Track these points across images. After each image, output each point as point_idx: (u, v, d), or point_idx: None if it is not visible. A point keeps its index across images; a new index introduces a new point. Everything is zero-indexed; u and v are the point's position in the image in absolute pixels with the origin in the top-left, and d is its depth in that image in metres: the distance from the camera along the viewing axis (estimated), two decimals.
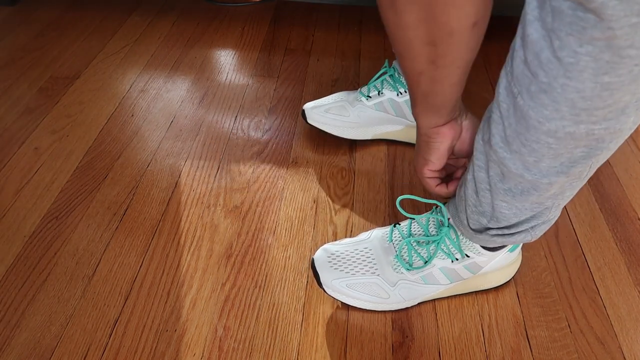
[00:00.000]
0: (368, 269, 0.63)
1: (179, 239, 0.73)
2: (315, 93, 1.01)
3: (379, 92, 0.84)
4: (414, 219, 0.63)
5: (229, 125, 0.93)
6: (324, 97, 0.90)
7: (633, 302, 0.67)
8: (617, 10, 0.33)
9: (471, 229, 0.57)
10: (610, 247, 0.74)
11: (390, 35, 0.47)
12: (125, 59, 1.09)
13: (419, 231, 0.63)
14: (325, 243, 0.73)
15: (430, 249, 0.61)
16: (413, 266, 0.62)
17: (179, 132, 0.91)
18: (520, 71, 0.41)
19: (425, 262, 0.62)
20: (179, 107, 0.97)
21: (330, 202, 0.79)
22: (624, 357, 0.61)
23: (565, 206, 0.79)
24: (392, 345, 0.62)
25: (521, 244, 0.64)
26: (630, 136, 0.93)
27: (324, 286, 0.63)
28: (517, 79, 0.42)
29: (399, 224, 0.65)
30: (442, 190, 0.60)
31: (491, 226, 0.55)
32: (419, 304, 0.66)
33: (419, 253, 0.62)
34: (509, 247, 0.62)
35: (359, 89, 0.87)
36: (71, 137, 0.89)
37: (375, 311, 0.65)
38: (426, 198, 0.64)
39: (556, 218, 0.56)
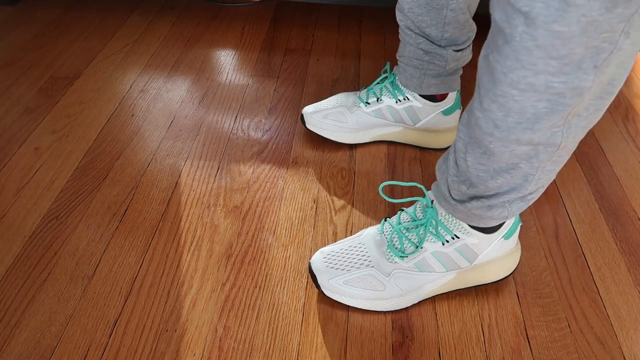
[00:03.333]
0: (362, 263, 0.64)
1: (179, 239, 0.73)
2: (315, 93, 1.01)
3: (377, 98, 0.84)
4: (395, 201, 0.64)
5: (229, 125, 0.93)
6: (323, 100, 0.90)
7: (633, 302, 0.67)
8: None
9: (453, 199, 0.58)
10: (610, 247, 0.74)
11: None
12: (125, 59, 1.09)
13: (407, 219, 0.64)
14: (325, 243, 0.73)
15: (420, 232, 0.62)
16: (405, 253, 0.63)
17: (179, 132, 0.91)
18: (492, 31, 0.45)
19: (417, 246, 0.62)
20: (179, 107, 0.97)
21: (330, 202, 0.79)
22: (624, 357, 0.61)
23: (565, 206, 0.79)
24: (392, 345, 0.62)
25: (517, 233, 0.64)
26: (630, 136, 0.93)
27: (322, 288, 0.64)
28: (490, 38, 0.46)
29: (389, 218, 0.66)
30: None
31: (470, 193, 0.56)
32: (419, 303, 0.66)
33: (410, 239, 0.63)
34: (503, 232, 0.62)
35: (358, 93, 0.87)
36: (71, 137, 0.89)
37: (375, 312, 0.65)
38: (407, 182, 0.67)
39: (533, 199, 0.56)
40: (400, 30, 0.79)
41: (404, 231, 0.63)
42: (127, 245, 0.71)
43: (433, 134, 0.86)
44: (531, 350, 0.62)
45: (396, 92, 0.83)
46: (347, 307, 0.65)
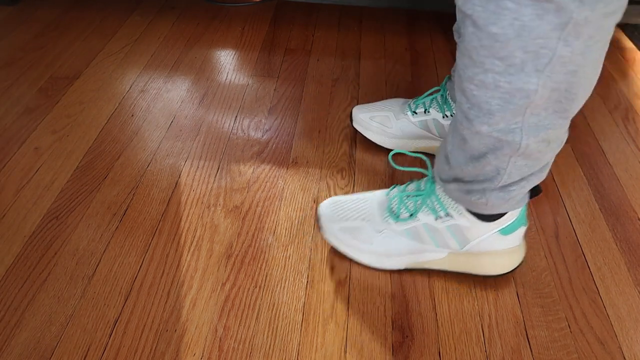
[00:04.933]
0: (359, 215, 0.68)
1: (179, 239, 0.73)
2: (315, 93, 1.01)
3: (425, 110, 0.83)
4: (401, 169, 0.67)
5: (229, 125, 0.93)
6: (378, 101, 0.90)
7: (633, 302, 0.67)
8: None
9: (440, 177, 0.62)
10: (610, 247, 0.74)
11: None
12: (125, 59, 1.09)
13: (412, 188, 0.67)
14: (325, 243, 0.73)
15: (417, 202, 0.65)
16: (400, 218, 0.65)
17: (179, 132, 0.91)
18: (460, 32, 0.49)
19: (411, 214, 0.65)
20: (179, 107, 0.97)
21: None
22: (624, 357, 0.61)
23: (565, 206, 0.79)
24: (392, 345, 0.62)
25: (520, 232, 0.65)
26: (630, 136, 0.93)
27: (321, 230, 0.69)
28: (460, 40, 0.50)
29: (400, 184, 0.69)
30: None
31: (452, 174, 0.59)
32: (419, 303, 0.66)
33: (407, 206, 0.65)
34: (500, 226, 0.63)
35: (409, 102, 0.86)
36: (71, 137, 0.89)
37: (374, 312, 0.65)
38: (414, 154, 0.70)
39: (514, 191, 0.57)
40: (457, 46, 0.78)
41: (405, 198, 0.66)
42: (127, 245, 0.71)
43: None
44: (531, 350, 0.62)
45: (445, 107, 0.82)
46: (347, 307, 0.65)
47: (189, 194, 0.79)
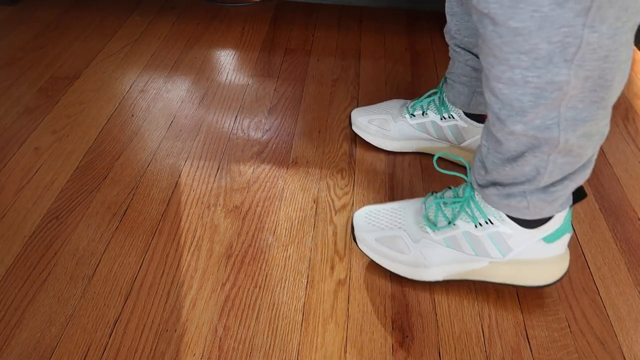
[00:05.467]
0: (396, 224, 0.66)
1: (179, 239, 0.73)
2: (315, 93, 1.01)
3: (423, 112, 0.83)
4: (446, 173, 0.66)
5: (229, 125, 0.93)
6: (376, 104, 0.90)
7: (633, 302, 0.67)
8: None
9: (477, 183, 0.60)
10: (610, 247, 0.74)
11: None
12: (125, 59, 1.09)
13: (450, 194, 0.65)
14: (325, 243, 0.73)
15: (455, 209, 0.62)
16: (437, 226, 0.63)
17: (179, 132, 0.91)
18: (479, 32, 0.48)
19: (449, 222, 0.62)
20: (179, 107, 0.97)
21: (330, 202, 0.79)
22: (624, 357, 0.61)
23: None
24: (392, 345, 0.62)
25: (564, 240, 0.61)
26: (630, 136, 0.93)
27: (357, 240, 0.68)
28: (481, 40, 0.49)
29: (436, 192, 0.68)
30: None
31: (489, 179, 0.57)
32: (419, 303, 0.66)
33: (445, 213, 0.63)
34: (544, 233, 0.60)
35: (407, 104, 0.86)
36: (71, 137, 0.89)
37: (375, 312, 0.65)
38: (456, 162, 0.68)
39: (557, 192, 0.55)
40: (449, 48, 0.78)
41: (442, 205, 0.64)
42: (127, 245, 0.71)
43: None
44: (531, 350, 0.62)
45: (442, 108, 0.81)
46: (347, 307, 0.65)
47: (189, 194, 0.79)
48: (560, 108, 0.47)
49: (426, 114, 0.83)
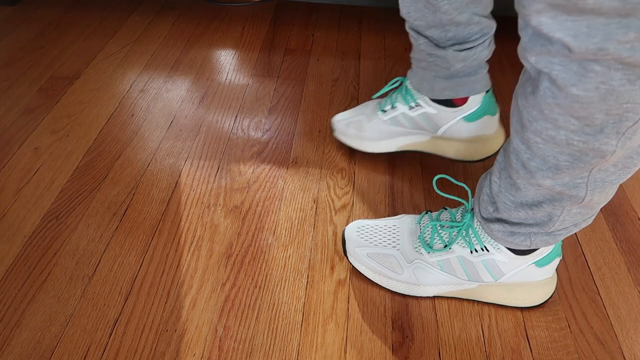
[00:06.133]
0: (390, 243, 0.66)
1: (179, 239, 0.73)
2: (315, 93, 1.01)
3: (392, 105, 0.80)
4: (445, 195, 0.65)
5: (229, 125, 0.93)
6: (355, 107, 0.88)
7: (633, 302, 0.67)
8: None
9: (481, 215, 0.59)
10: (610, 247, 0.74)
11: None
12: (125, 59, 1.09)
13: (447, 218, 0.64)
14: (325, 243, 0.73)
15: (452, 233, 0.62)
16: (433, 248, 0.63)
17: (179, 132, 0.91)
18: (523, 76, 0.47)
19: (445, 245, 0.62)
20: (179, 107, 0.97)
21: (330, 202, 0.79)
22: (624, 357, 0.61)
23: None
24: (392, 345, 0.62)
25: (554, 264, 0.63)
26: None
27: (347, 254, 0.67)
28: (521, 82, 0.47)
29: (431, 211, 0.67)
30: None
31: (496, 216, 0.57)
32: (419, 303, 0.66)
33: (441, 236, 0.63)
34: (535, 258, 0.60)
35: (379, 100, 0.84)
36: (71, 137, 0.89)
37: (375, 312, 0.65)
38: (458, 181, 0.66)
39: (561, 235, 0.55)
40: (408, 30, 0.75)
41: (439, 228, 0.63)
42: (127, 245, 0.71)
43: (462, 143, 0.78)
44: (531, 351, 0.62)
45: (408, 97, 0.78)
46: (347, 307, 0.65)
47: (189, 194, 0.79)
48: (593, 170, 0.46)
49: (395, 106, 0.79)
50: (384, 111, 0.81)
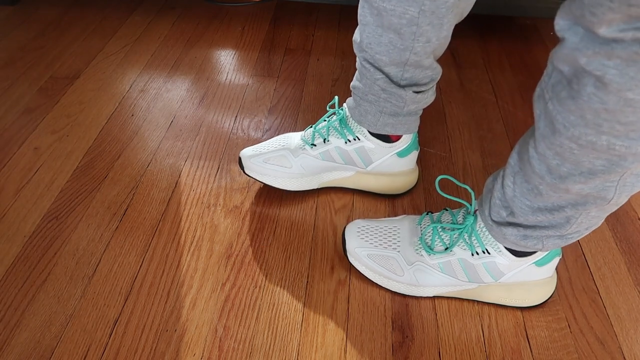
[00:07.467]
0: (390, 244, 0.66)
1: (179, 239, 0.73)
2: (315, 93, 1.01)
3: (324, 139, 0.74)
4: (447, 197, 0.65)
5: (229, 125, 0.93)
6: (264, 141, 0.80)
7: (633, 302, 0.67)
8: None
9: (492, 219, 0.58)
10: (610, 247, 0.74)
11: None
12: (125, 59, 1.09)
13: (448, 219, 0.64)
14: (325, 243, 0.73)
15: (454, 236, 0.62)
16: (434, 250, 0.63)
17: (179, 132, 0.91)
18: (552, 78, 0.45)
19: (446, 248, 0.62)
20: (179, 107, 0.97)
21: (330, 202, 0.79)
22: (624, 357, 0.61)
23: None
24: (392, 345, 0.62)
25: (554, 263, 0.62)
26: None
27: (347, 253, 0.67)
28: (552, 86, 0.45)
29: (432, 212, 0.67)
30: None
31: (509, 220, 0.56)
32: (419, 303, 0.66)
33: (442, 238, 0.63)
34: (536, 259, 0.60)
35: (303, 134, 0.77)
36: (71, 137, 0.89)
37: (375, 312, 0.65)
38: (461, 183, 0.66)
39: (573, 239, 0.55)
40: (357, 60, 0.69)
41: (440, 230, 0.63)
42: (127, 245, 0.71)
43: (388, 178, 0.77)
44: (531, 351, 0.62)
45: (345, 131, 0.74)
46: (347, 307, 0.65)
47: (189, 194, 0.79)
48: (625, 174, 0.45)
49: (328, 140, 0.74)
50: (313, 145, 0.75)
